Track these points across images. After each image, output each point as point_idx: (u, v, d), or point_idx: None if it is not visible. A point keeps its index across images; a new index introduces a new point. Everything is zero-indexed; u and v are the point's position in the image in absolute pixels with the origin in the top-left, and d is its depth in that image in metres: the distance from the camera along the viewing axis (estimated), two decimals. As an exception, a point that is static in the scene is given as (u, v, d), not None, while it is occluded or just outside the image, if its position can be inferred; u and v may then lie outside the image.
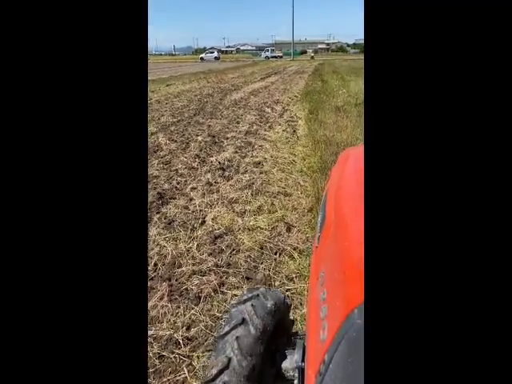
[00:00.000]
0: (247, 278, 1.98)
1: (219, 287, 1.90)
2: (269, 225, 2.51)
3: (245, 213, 2.75)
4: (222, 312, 1.71)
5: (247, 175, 3.61)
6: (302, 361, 0.90)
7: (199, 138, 5.13)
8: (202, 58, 46.84)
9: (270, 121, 6.46)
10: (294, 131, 5.54)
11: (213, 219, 2.67)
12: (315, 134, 4.96)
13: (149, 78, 16.08)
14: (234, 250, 2.26)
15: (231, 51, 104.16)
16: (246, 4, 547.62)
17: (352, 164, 1.11)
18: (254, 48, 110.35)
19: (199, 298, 1.83)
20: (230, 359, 0.90)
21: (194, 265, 2.10)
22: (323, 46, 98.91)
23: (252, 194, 3.11)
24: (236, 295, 1.80)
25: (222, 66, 27.71)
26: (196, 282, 1.93)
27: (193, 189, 3.30)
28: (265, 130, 5.73)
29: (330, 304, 0.64)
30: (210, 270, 2.05)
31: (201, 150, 4.55)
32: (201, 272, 2.03)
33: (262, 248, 2.25)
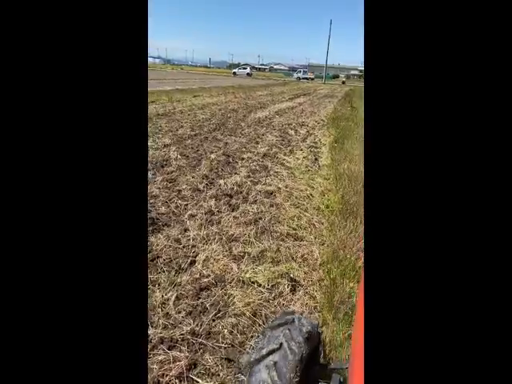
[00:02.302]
0: (228, 360, 1.49)
1: (188, 370, 1.42)
2: (269, 280, 2.03)
3: (243, 257, 2.28)
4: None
5: (255, 206, 3.16)
6: None
7: (212, 156, 4.76)
8: (234, 73, 47.64)
9: (292, 144, 6.04)
10: (316, 159, 5.08)
11: (204, 261, 2.22)
12: (338, 166, 4.48)
13: (179, 87, 16.20)
14: (220, 311, 1.78)
15: (264, 69, 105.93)
16: (283, 24, 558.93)
17: None
18: (287, 68, 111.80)
19: None
20: None
21: (164, 327, 1.64)
22: (356, 72, 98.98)
23: (256, 233, 2.64)
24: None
25: (252, 82, 27.87)
26: (160, 357, 1.47)
27: (191, 216, 2.87)
28: (284, 154, 5.30)
29: None
30: (183, 340, 1.58)
31: (211, 170, 4.16)
32: (171, 340, 1.57)
33: (255, 315, 1.77)
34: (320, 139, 6.59)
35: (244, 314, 1.76)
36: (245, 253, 2.33)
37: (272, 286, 1.99)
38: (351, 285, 1.97)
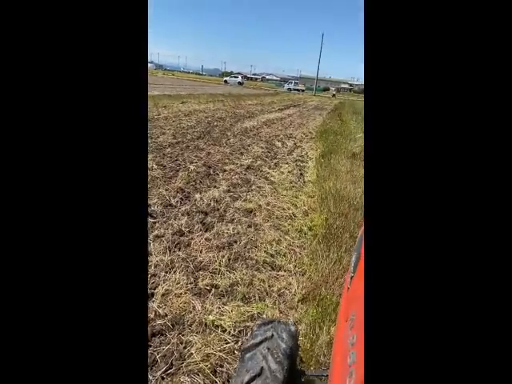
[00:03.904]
0: None
1: None
2: (236, 325, 1.71)
3: (210, 292, 1.97)
4: None
5: (232, 227, 2.85)
6: None
7: (192, 167, 4.45)
8: (225, 81, 47.60)
9: (278, 157, 5.79)
10: (302, 174, 4.83)
11: (163, 295, 1.89)
12: (324, 183, 4.23)
13: (167, 93, 15.87)
14: (172, 365, 1.46)
15: (256, 79, 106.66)
16: (276, 35, 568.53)
17: None
18: (278, 79, 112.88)
19: None
20: None
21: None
22: (346, 86, 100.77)
23: (229, 260, 2.34)
24: None
25: (243, 91, 27.76)
26: None
27: (157, 237, 2.54)
28: (269, 168, 5.04)
29: (359, 350, 0.61)
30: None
31: (188, 183, 3.84)
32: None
33: (214, 372, 1.45)
34: (307, 153, 6.36)
35: (202, 371, 1.44)
36: (212, 286, 2.02)
37: (239, 331, 1.67)
38: (332, 330, 1.67)
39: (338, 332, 0.87)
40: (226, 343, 1.59)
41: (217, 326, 1.68)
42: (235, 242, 2.60)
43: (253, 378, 0.93)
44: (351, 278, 0.94)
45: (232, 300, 1.90)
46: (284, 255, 2.51)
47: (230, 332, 1.65)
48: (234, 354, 1.54)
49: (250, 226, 2.91)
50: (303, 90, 51.59)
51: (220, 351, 1.53)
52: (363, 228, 1.10)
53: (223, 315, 1.76)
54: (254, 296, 1.96)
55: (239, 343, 1.59)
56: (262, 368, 0.96)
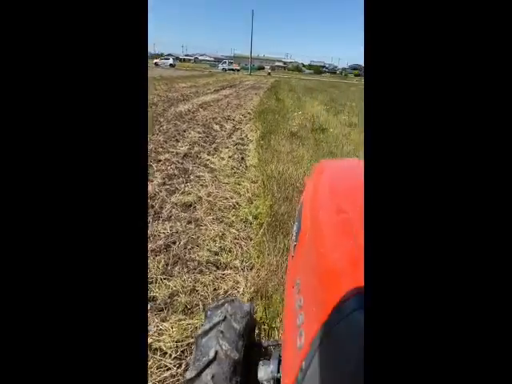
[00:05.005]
0: None
1: None
2: (178, 344, 1.49)
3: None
4: None
5: (169, 225, 2.58)
6: (278, 371, 0.91)
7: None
8: (156, 64, 44.70)
9: (217, 141, 5.51)
10: (243, 158, 4.64)
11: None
12: (266, 166, 4.08)
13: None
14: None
15: (189, 60, 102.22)
16: (208, 15, 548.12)
17: (327, 175, 1.16)
18: (212, 59, 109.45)
19: None
20: None
21: None
22: (280, 63, 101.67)
23: (167, 265, 2.08)
24: None
25: (175, 73, 26.30)
26: None
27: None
28: (208, 154, 4.76)
29: (306, 311, 0.65)
30: None
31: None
32: None
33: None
34: (247, 135, 6.17)
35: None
36: (148, 299, 1.76)
37: (182, 351, 1.45)
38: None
39: (286, 298, 0.91)
40: (167, 369, 1.37)
41: (155, 350, 1.44)
42: (173, 242, 2.34)
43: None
44: (294, 246, 0.96)
45: (172, 314, 1.67)
46: (229, 251, 2.32)
47: (171, 355, 1.43)
48: (177, 379, 1.32)
49: (189, 222, 2.66)
50: (238, 70, 50.78)
51: (160, 382, 1.31)
52: (303, 197, 1.15)
53: (162, 335, 1.52)
54: (198, 305, 1.75)
55: (183, 366, 1.38)
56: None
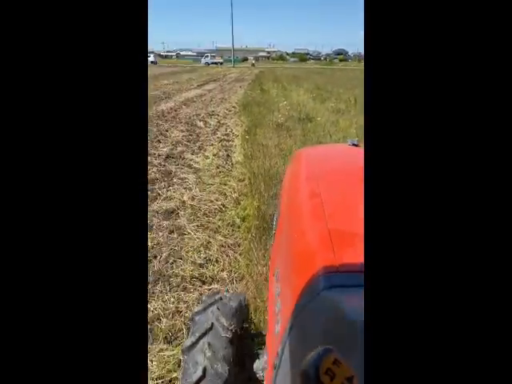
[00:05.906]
0: None
1: None
2: (158, 382, 1.29)
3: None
4: None
5: (149, 237, 2.37)
6: None
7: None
8: (137, 62, 43.69)
9: (201, 139, 5.28)
10: (229, 156, 4.42)
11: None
12: (253, 163, 3.88)
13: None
14: None
15: (171, 56, 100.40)
16: (187, 9, 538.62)
17: (304, 162, 1.16)
18: (195, 54, 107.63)
19: None
20: None
21: None
22: (264, 54, 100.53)
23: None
24: None
25: (158, 70, 25.68)
26: None
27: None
28: (192, 153, 4.54)
29: (282, 298, 0.66)
30: None
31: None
32: None
33: None
34: (232, 130, 5.94)
35: None
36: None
37: (163, 392, 1.26)
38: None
39: (269, 286, 0.92)
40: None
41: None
42: (154, 257, 2.14)
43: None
44: (273, 235, 0.95)
45: (153, 343, 1.48)
46: (216, 261, 2.13)
47: (150, 398, 1.24)
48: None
49: (172, 232, 2.46)
50: (221, 63, 49.96)
51: None
52: (282, 185, 1.14)
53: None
54: (181, 329, 1.56)
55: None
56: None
